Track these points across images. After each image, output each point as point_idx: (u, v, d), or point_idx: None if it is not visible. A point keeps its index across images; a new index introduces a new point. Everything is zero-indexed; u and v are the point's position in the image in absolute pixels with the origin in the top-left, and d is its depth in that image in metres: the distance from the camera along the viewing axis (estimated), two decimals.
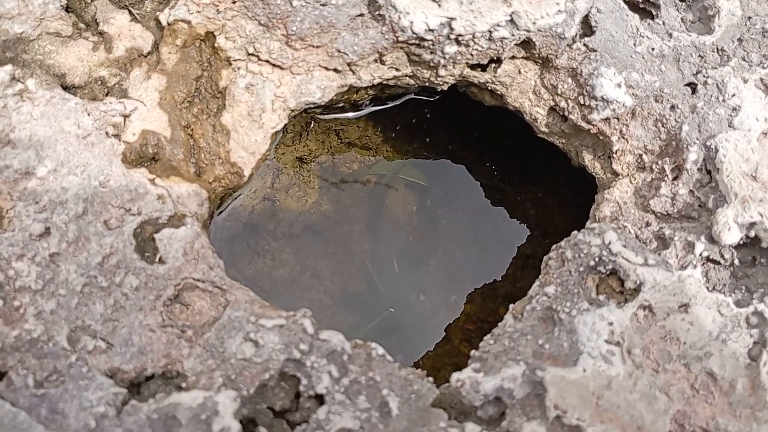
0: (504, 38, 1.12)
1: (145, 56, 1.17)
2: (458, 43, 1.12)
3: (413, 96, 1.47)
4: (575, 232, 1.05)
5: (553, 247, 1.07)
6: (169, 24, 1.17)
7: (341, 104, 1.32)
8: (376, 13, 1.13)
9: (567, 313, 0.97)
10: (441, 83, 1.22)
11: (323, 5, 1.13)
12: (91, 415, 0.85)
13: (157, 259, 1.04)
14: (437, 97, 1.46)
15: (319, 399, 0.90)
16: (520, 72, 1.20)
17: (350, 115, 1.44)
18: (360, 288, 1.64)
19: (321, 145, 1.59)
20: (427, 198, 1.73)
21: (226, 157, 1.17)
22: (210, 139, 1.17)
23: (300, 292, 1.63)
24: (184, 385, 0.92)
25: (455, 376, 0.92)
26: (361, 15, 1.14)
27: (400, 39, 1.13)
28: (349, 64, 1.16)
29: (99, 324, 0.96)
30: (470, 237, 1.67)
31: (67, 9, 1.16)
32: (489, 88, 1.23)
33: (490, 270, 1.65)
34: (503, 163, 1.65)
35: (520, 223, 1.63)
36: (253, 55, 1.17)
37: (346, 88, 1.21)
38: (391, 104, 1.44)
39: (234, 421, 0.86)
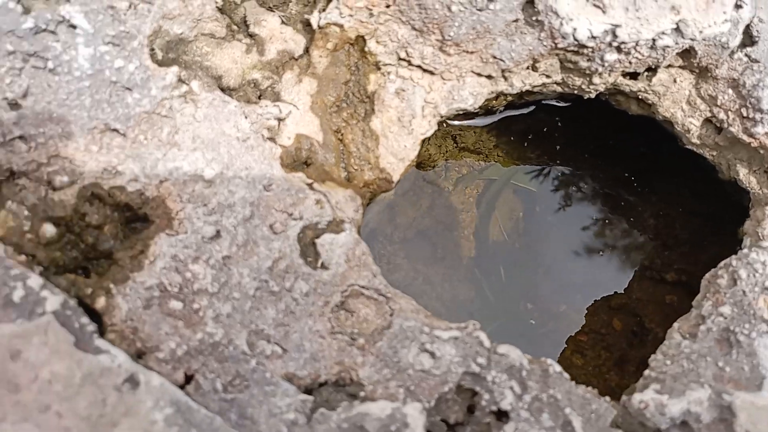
0: (667, 47, 1.09)
1: (296, 59, 1.17)
2: (619, 51, 1.10)
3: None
4: (745, 250, 1.03)
5: (721, 264, 1.04)
6: (320, 27, 1.16)
7: (478, 110, 1.31)
8: (533, 18, 1.11)
9: (746, 335, 0.95)
10: (591, 91, 1.20)
11: (480, 10, 1.11)
12: (281, 422, 0.85)
13: (319, 265, 1.04)
14: (568, 104, 1.44)
15: (501, 415, 0.89)
16: (675, 81, 1.17)
17: (481, 121, 1.43)
18: (469, 295, 1.63)
19: (438, 150, 1.58)
20: (535, 204, 1.71)
21: (375, 163, 1.16)
22: (360, 144, 1.16)
23: (415, 299, 1.63)
24: (362, 393, 0.92)
25: (637, 397, 0.90)
26: (517, 20, 1.12)
27: (559, 46, 1.11)
28: (503, 71, 1.14)
29: (272, 329, 0.96)
30: (581, 245, 1.64)
31: (221, 10, 1.17)
32: (639, 96, 1.20)
33: (602, 279, 1.62)
34: (622, 172, 1.62)
35: (638, 233, 1.60)
36: (403, 59, 1.16)
37: (494, 95, 1.19)
38: (524, 110, 1.43)
39: None
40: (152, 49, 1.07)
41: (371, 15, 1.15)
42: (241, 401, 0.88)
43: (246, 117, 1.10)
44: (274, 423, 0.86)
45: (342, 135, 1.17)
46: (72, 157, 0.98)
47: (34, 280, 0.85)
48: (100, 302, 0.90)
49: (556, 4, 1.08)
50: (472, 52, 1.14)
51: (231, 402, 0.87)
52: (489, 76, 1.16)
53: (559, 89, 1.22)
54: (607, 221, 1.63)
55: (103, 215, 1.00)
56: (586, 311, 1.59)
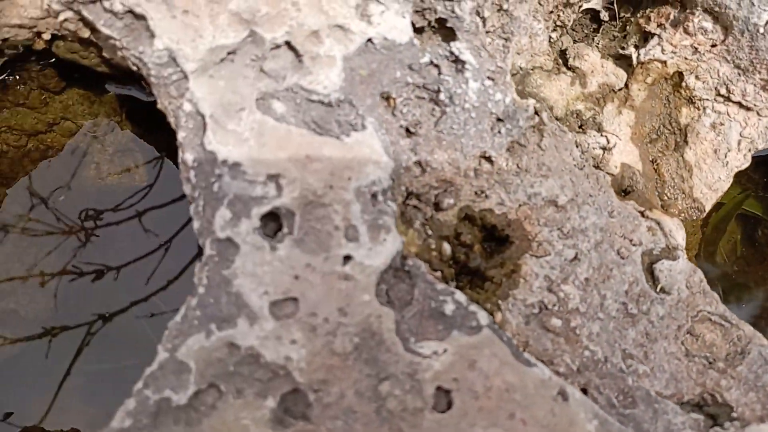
0: None
1: (616, 92, 1.25)
2: None
3: None
4: None
5: None
6: (641, 63, 1.23)
7: None
8: None
9: None
10: None
11: None
12: None
13: (658, 290, 1.11)
14: None
15: None
16: None
17: None
18: None
19: None
20: (757, 229, 1.74)
21: (689, 192, 1.23)
22: (674, 173, 1.23)
23: None
24: (734, 415, 0.99)
25: None
26: None
27: None
28: None
29: (633, 348, 1.04)
30: None
31: (551, 44, 1.25)
32: None
33: None
34: None
35: None
36: (721, 96, 1.22)
37: None
38: None
39: None
40: None
41: (695, 53, 1.21)
42: (636, 416, 0.95)
43: (577, 146, 1.18)
44: None
45: (657, 165, 1.23)
46: (453, 181, 1.07)
47: (460, 296, 0.94)
48: (497, 317, 1.00)
49: None
50: None
51: (627, 417, 0.95)
52: None
53: None
54: None
55: (474, 235, 1.09)
56: None
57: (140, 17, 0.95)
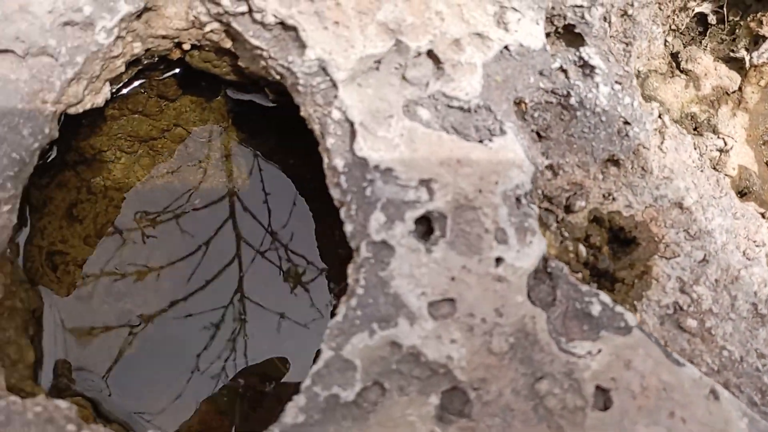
0: None
1: (729, 95, 1.26)
2: None
3: None
4: None
5: None
6: (754, 66, 1.24)
7: None
8: None
9: None
10: None
11: None
12: None
13: None
14: None
15: None
16: None
17: None
18: None
19: None
20: None
21: None
22: None
23: None
24: None
25: None
26: None
27: None
28: None
29: (765, 348, 1.05)
30: None
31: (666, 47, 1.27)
32: None
33: None
34: None
35: None
36: None
37: None
38: None
39: None
40: None
41: None
42: None
43: (695, 148, 1.20)
44: None
45: None
46: (583, 184, 1.09)
47: (605, 297, 0.96)
48: (636, 318, 1.01)
49: None
50: None
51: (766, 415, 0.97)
52: None
53: None
54: None
55: (602, 237, 1.11)
56: None
57: (291, 28, 0.98)
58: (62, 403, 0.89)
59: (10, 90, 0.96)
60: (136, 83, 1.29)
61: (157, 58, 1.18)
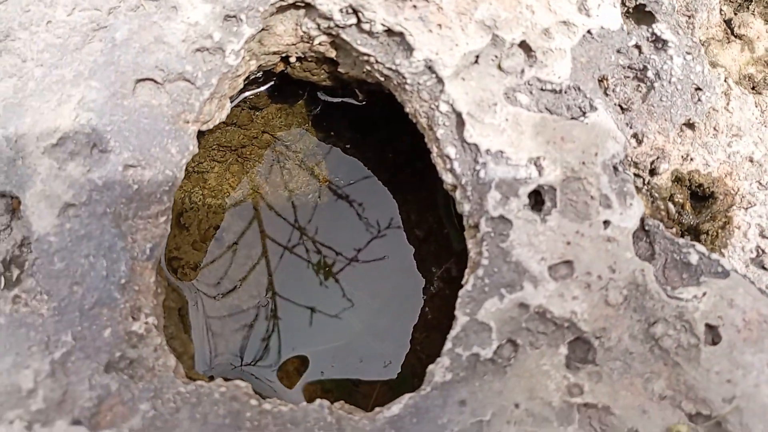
0: None
1: None
2: None
3: None
4: None
5: None
6: None
7: None
8: None
9: None
10: None
11: None
12: None
13: None
14: None
15: None
16: None
17: None
18: None
19: None
20: None
21: None
22: None
23: None
24: None
25: None
26: None
27: None
28: None
29: None
30: None
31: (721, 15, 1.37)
32: None
33: None
34: None
35: None
36: None
37: None
38: None
39: None
40: None
41: None
42: None
43: (757, 106, 1.30)
44: None
45: None
46: (664, 148, 1.20)
47: (700, 247, 1.07)
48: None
49: None
50: None
51: None
52: None
53: None
54: None
55: (684, 195, 1.22)
56: None
57: (398, 34, 1.09)
58: (241, 383, 1.02)
59: (156, 114, 1.08)
60: (240, 97, 1.41)
61: (262, 73, 1.29)
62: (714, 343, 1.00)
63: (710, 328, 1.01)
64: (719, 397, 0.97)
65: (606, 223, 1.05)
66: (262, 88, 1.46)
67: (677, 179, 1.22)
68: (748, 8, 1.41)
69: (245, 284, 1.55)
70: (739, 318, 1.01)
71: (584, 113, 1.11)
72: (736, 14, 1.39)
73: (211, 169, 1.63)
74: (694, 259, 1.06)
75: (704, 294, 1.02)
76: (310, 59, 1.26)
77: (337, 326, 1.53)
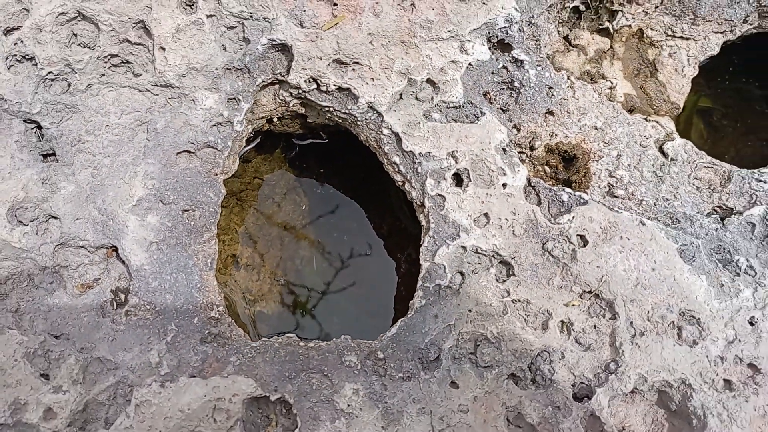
0: None
1: (606, 52, 1.96)
2: None
3: None
4: None
5: None
6: (616, 30, 1.95)
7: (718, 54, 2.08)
8: None
9: None
10: None
11: None
12: None
13: (669, 159, 1.82)
14: None
15: None
16: None
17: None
18: None
19: None
20: (711, 116, 2.47)
21: (667, 99, 1.95)
22: (655, 91, 1.95)
23: None
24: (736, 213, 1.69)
25: None
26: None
27: None
28: (732, 27, 1.92)
29: (666, 194, 1.74)
30: None
31: (558, 34, 1.96)
32: None
33: None
34: None
35: None
36: (669, 36, 1.94)
37: (726, 41, 1.97)
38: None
39: None
40: None
41: (646, 15, 1.93)
42: (684, 229, 1.66)
43: (595, 91, 1.89)
44: None
45: (644, 89, 1.95)
46: (536, 131, 1.77)
47: (569, 189, 1.63)
48: (587, 197, 1.69)
49: None
50: (710, 21, 1.92)
51: (677, 228, 1.66)
52: (722, 32, 1.93)
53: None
54: None
55: (556, 159, 1.79)
56: None
57: (346, 89, 1.63)
58: (290, 334, 1.51)
59: (195, 173, 1.58)
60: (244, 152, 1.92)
61: (253, 133, 1.81)
62: (585, 245, 1.56)
63: (581, 237, 1.57)
64: (594, 278, 1.53)
65: (504, 185, 1.60)
66: (253, 145, 1.98)
67: (549, 150, 1.79)
68: (579, 25, 2.02)
69: (262, 284, 2.05)
70: (597, 227, 1.57)
71: (477, 118, 1.67)
72: (571, 30, 1.99)
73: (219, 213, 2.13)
74: (565, 197, 1.62)
75: (573, 217, 1.58)
76: (287, 117, 1.78)
77: (338, 305, 2.04)
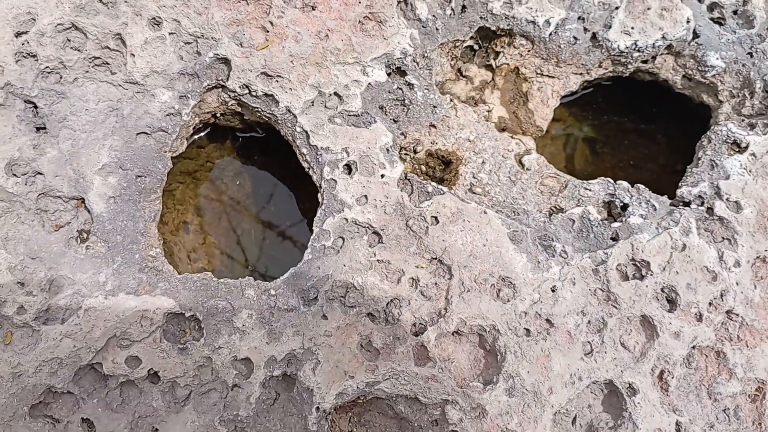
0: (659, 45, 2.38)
1: (488, 83, 2.48)
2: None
3: None
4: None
5: None
6: (498, 66, 2.47)
7: (576, 92, 2.60)
8: (596, 44, 2.42)
9: None
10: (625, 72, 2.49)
11: (574, 45, 2.42)
12: None
13: (525, 169, 2.33)
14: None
15: None
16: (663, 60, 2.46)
17: (573, 98, 2.72)
18: None
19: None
20: (595, 145, 2.99)
21: (534, 123, 2.46)
22: (525, 116, 2.46)
23: None
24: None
25: None
26: (589, 46, 2.43)
27: (612, 54, 2.40)
28: (587, 70, 2.44)
29: (516, 195, 2.24)
30: None
31: (451, 67, 2.48)
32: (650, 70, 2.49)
33: None
34: None
35: None
36: (538, 74, 2.46)
37: (584, 83, 2.49)
38: (590, 89, 2.72)
39: None
40: None
41: (521, 56, 2.45)
42: (521, 220, 2.16)
43: (475, 113, 2.41)
44: None
45: (516, 114, 2.47)
46: (419, 138, 2.28)
47: (434, 184, 2.14)
48: (454, 192, 2.19)
49: (607, 34, 2.38)
50: (570, 64, 2.44)
51: (516, 221, 2.16)
52: (581, 74, 2.45)
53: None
54: None
55: (435, 162, 2.29)
56: None
57: (271, 95, 2.15)
58: (209, 274, 2.00)
59: (149, 149, 2.09)
60: (191, 140, 2.43)
61: (201, 125, 2.32)
62: (436, 224, 2.05)
63: (434, 218, 2.06)
64: (439, 248, 2.02)
65: (383, 175, 2.11)
66: (202, 134, 2.50)
67: (429, 154, 2.29)
68: (472, 60, 2.54)
69: (207, 247, 2.54)
70: (447, 211, 2.07)
71: (370, 124, 2.18)
72: (464, 64, 2.51)
73: (176, 188, 2.63)
74: (429, 189, 2.13)
75: (431, 203, 2.08)
76: (228, 114, 2.30)
77: (273, 260, 2.53)
